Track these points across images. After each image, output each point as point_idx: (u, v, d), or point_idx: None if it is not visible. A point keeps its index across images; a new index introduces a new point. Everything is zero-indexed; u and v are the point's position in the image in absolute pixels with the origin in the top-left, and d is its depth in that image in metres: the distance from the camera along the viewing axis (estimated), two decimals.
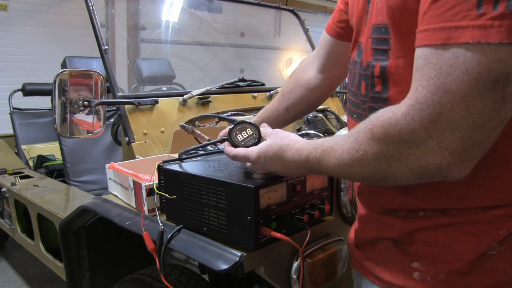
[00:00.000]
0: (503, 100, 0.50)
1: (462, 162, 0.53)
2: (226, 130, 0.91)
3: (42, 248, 2.04)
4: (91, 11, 1.62)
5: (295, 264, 0.93)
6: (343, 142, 0.64)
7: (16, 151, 3.10)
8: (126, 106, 1.53)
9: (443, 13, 0.51)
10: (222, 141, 0.93)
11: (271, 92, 1.99)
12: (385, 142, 0.57)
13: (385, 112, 0.58)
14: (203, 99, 1.74)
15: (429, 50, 0.52)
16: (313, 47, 2.43)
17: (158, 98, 1.61)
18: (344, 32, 0.96)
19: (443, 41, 0.51)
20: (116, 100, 1.52)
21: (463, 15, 0.49)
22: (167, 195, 0.97)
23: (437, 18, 0.52)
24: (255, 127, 0.87)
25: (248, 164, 0.82)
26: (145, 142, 1.52)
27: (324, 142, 0.68)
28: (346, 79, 0.85)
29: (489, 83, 0.49)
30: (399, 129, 0.55)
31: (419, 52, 0.54)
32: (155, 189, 1.00)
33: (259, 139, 0.85)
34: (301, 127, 1.77)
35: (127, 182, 1.17)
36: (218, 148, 1.12)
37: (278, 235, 0.81)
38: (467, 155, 0.53)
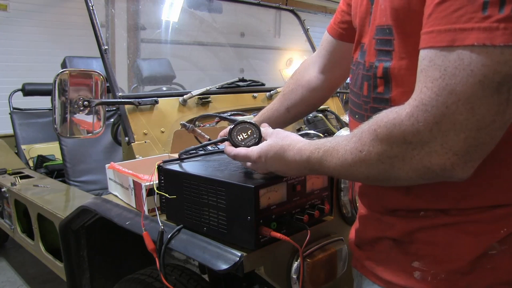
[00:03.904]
0: (507, 102, 0.50)
1: (466, 163, 0.54)
2: (227, 130, 0.91)
3: (42, 248, 2.04)
4: (91, 11, 1.62)
5: (295, 264, 0.93)
6: (346, 142, 0.64)
7: (16, 151, 3.10)
8: (126, 106, 1.53)
9: (448, 15, 0.51)
10: (222, 141, 0.93)
11: (271, 92, 1.99)
12: (389, 143, 0.57)
13: (389, 112, 0.58)
14: (203, 99, 1.74)
15: (434, 51, 0.53)
16: (313, 47, 2.42)
17: (158, 98, 1.61)
18: (346, 33, 0.96)
19: (448, 43, 0.51)
20: (116, 100, 1.52)
21: (468, 17, 0.50)
22: (167, 195, 0.97)
23: (442, 20, 0.52)
24: (256, 127, 0.86)
25: (249, 164, 0.82)
26: (145, 142, 1.52)
27: (326, 142, 0.68)
28: (348, 80, 0.85)
29: (494, 84, 0.49)
30: (403, 129, 0.55)
31: (423, 54, 0.55)
32: (155, 189, 1.00)
33: (259, 139, 0.85)
34: (301, 127, 1.77)
35: (127, 182, 1.17)
36: (218, 148, 1.12)
37: (278, 235, 0.81)
38: (471, 156, 0.53)
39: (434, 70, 0.52)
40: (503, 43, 0.48)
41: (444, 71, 0.51)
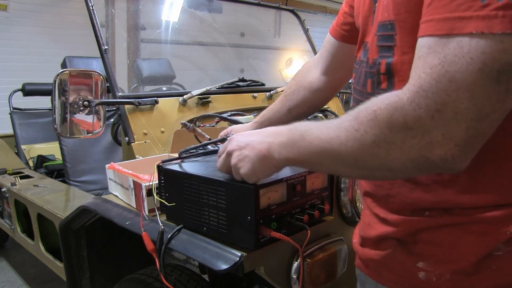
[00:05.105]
0: (506, 92, 0.50)
1: (466, 154, 0.53)
2: (227, 130, 0.91)
3: (42, 248, 2.04)
4: (91, 11, 1.62)
5: (295, 264, 0.93)
6: (340, 120, 0.62)
7: (16, 151, 3.10)
8: (126, 106, 1.53)
9: (447, 4, 0.51)
10: (222, 140, 0.94)
11: (271, 92, 1.99)
12: (388, 127, 0.55)
13: (390, 95, 0.56)
14: (203, 99, 1.74)
15: (433, 39, 0.52)
16: (313, 47, 2.42)
17: (158, 98, 1.61)
18: (348, 35, 0.97)
19: (447, 31, 0.51)
20: (116, 100, 1.52)
21: (467, 6, 0.50)
22: (166, 202, 0.97)
23: (441, 9, 0.52)
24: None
25: (237, 153, 0.77)
26: (145, 142, 1.52)
27: (318, 121, 0.67)
28: (351, 79, 0.84)
29: (494, 73, 0.49)
30: (405, 114, 0.53)
31: (422, 42, 0.54)
32: (154, 193, 1.00)
33: None
34: None
35: (127, 182, 1.17)
36: (219, 148, 1.12)
37: (278, 235, 0.81)
38: (471, 147, 0.53)
39: (433, 57, 0.52)
40: (501, 31, 0.48)
41: (443, 58, 0.51)
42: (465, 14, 0.50)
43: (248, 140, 0.74)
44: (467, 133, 0.51)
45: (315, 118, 1.71)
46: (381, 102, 0.56)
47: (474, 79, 0.49)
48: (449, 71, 0.50)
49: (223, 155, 0.80)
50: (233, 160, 0.76)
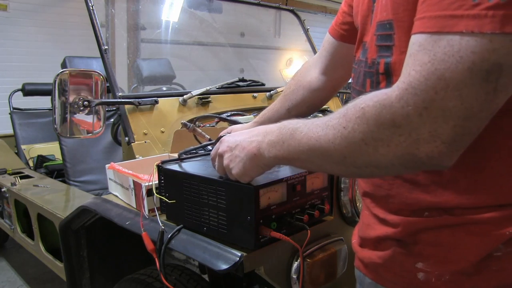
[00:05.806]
0: (494, 91, 0.50)
1: (452, 152, 0.53)
2: (227, 130, 0.91)
3: (42, 248, 2.04)
4: (91, 11, 1.62)
5: (295, 264, 0.93)
6: (328, 118, 0.62)
7: (16, 151, 3.10)
8: (126, 106, 1.53)
9: (440, 1, 0.52)
10: None
11: (271, 92, 1.99)
12: (376, 124, 0.55)
13: (379, 93, 0.57)
14: (203, 99, 1.74)
15: (424, 36, 0.53)
16: (313, 47, 2.43)
17: (158, 98, 1.61)
18: (347, 34, 0.97)
19: (438, 29, 0.51)
20: (116, 100, 1.52)
21: (459, 5, 0.50)
22: (166, 199, 0.97)
23: (434, 6, 0.52)
24: None
25: (228, 155, 0.79)
26: (145, 142, 1.52)
27: (306, 119, 0.67)
28: (350, 79, 0.84)
29: (483, 72, 0.49)
30: (393, 111, 0.54)
31: (414, 39, 0.55)
32: (154, 192, 1.00)
33: None
34: None
35: (127, 182, 1.17)
36: None
37: (278, 235, 0.81)
38: (457, 145, 0.53)
39: (424, 54, 0.52)
40: (490, 30, 0.48)
41: (433, 56, 0.51)
42: (456, 13, 0.50)
43: (237, 140, 0.76)
44: (454, 131, 0.51)
45: (315, 118, 1.70)
46: (370, 100, 0.57)
47: (463, 78, 0.49)
48: (439, 69, 0.50)
49: (217, 158, 0.81)
50: (225, 161, 0.78)
